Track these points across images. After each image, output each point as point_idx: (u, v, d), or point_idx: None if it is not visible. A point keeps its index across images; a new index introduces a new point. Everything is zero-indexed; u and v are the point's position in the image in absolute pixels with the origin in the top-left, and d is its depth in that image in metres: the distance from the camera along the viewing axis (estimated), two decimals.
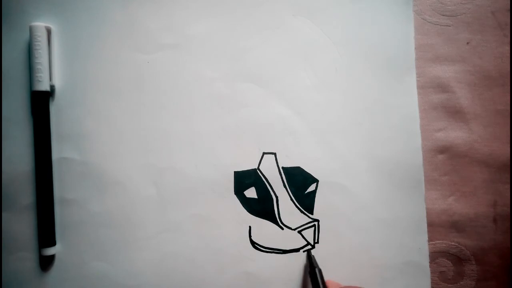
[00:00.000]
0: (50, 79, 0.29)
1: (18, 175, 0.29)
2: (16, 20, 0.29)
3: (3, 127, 0.29)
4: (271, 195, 0.30)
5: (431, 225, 0.30)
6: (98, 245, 0.29)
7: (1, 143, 0.29)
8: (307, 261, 0.29)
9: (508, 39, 0.31)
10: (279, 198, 0.30)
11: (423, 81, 0.31)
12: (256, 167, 0.30)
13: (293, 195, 0.30)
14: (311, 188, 0.30)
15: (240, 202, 0.30)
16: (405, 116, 0.30)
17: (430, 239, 0.30)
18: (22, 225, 0.29)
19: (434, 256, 0.30)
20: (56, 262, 0.29)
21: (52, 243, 0.28)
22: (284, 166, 0.30)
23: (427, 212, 0.30)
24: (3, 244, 0.29)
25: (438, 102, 0.31)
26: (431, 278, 0.30)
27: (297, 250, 0.29)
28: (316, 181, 0.30)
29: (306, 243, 0.29)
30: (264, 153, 0.30)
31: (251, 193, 0.30)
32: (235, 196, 0.30)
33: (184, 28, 0.30)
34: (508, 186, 0.30)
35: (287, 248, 0.29)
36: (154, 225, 0.29)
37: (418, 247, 0.30)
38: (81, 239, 0.29)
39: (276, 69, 0.30)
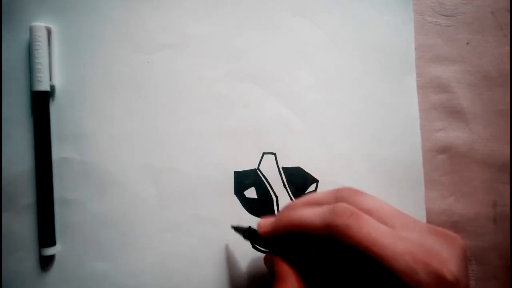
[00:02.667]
0: (50, 79, 0.29)
1: (18, 175, 0.29)
2: (16, 20, 0.29)
3: (3, 127, 0.29)
4: (271, 195, 0.30)
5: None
6: (98, 245, 0.29)
7: (1, 143, 0.29)
8: (240, 232, 0.27)
9: (508, 39, 0.31)
10: (279, 198, 0.30)
11: (423, 81, 0.31)
12: (256, 167, 0.30)
13: (293, 195, 0.30)
14: (311, 188, 0.30)
15: (240, 202, 0.30)
16: (405, 116, 0.30)
17: None
18: (22, 225, 0.29)
19: None
20: (56, 262, 0.29)
21: (52, 243, 0.28)
22: (284, 166, 0.30)
23: (427, 212, 0.30)
24: (3, 244, 0.29)
25: (438, 102, 0.31)
26: None
27: None
28: (316, 181, 0.30)
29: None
30: (264, 153, 0.30)
31: (251, 193, 0.30)
32: (235, 196, 0.30)
33: (183, 28, 0.30)
34: (508, 186, 0.30)
35: None
36: (154, 225, 0.29)
37: None
38: (81, 239, 0.29)
39: (276, 69, 0.30)
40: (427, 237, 0.19)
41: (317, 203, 0.22)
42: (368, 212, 0.20)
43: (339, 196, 0.22)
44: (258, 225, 0.24)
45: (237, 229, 0.27)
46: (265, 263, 0.24)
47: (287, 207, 0.24)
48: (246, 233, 0.26)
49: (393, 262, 0.18)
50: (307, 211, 0.22)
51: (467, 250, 0.20)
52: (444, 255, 0.18)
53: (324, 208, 0.21)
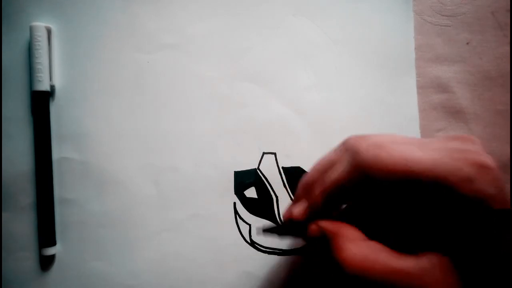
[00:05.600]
0: (50, 79, 0.29)
1: (18, 175, 0.29)
2: (16, 20, 0.29)
3: (3, 127, 0.29)
4: (271, 195, 0.30)
5: None
6: (98, 245, 0.29)
7: (1, 143, 0.29)
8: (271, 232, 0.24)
9: (508, 39, 0.31)
10: (279, 198, 0.30)
11: (423, 81, 0.31)
12: (256, 167, 0.30)
13: (293, 195, 0.30)
14: None
15: (240, 201, 0.30)
16: (405, 116, 0.30)
17: None
18: (22, 225, 0.29)
19: None
20: (56, 262, 0.29)
21: (52, 243, 0.28)
22: (284, 166, 0.30)
23: None
24: (3, 244, 0.29)
25: (438, 102, 0.31)
26: None
27: (297, 250, 0.29)
28: None
29: (306, 243, 0.29)
30: (264, 153, 0.30)
31: (251, 193, 0.30)
32: (235, 196, 0.30)
33: (184, 28, 0.30)
34: (508, 186, 0.30)
35: (287, 248, 0.29)
36: (154, 225, 0.29)
37: None
38: (81, 239, 0.29)
39: (276, 69, 0.30)
40: (449, 143, 0.19)
41: (330, 164, 0.21)
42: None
43: (347, 146, 0.20)
44: (293, 216, 0.22)
45: (270, 230, 0.24)
46: (311, 232, 0.21)
47: (305, 183, 0.22)
48: (281, 230, 0.24)
49: (437, 171, 0.17)
50: (328, 176, 0.20)
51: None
52: (473, 149, 0.18)
53: (341, 162, 0.19)
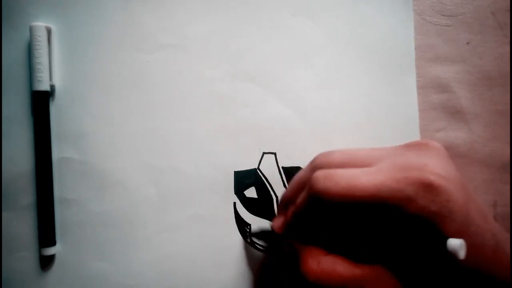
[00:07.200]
0: (50, 79, 0.29)
1: (18, 175, 0.29)
2: (16, 20, 0.29)
3: (4, 127, 0.29)
4: (271, 195, 0.30)
5: None
6: (98, 245, 0.29)
7: (1, 143, 0.29)
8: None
9: (508, 39, 0.31)
10: (279, 198, 0.30)
11: (423, 81, 0.31)
12: (256, 167, 0.30)
13: None
14: None
15: (240, 201, 0.30)
16: (405, 116, 0.30)
17: None
18: (22, 225, 0.29)
19: None
20: (56, 262, 0.29)
21: (52, 243, 0.28)
22: (284, 166, 0.30)
23: None
24: (3, 244, 0.29)
25: (438, 102, 0.31)
26: None
27: None
28: None
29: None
30: (264, 153, 0.30)
31: (251, 193, 0.30)
32: (235, 196, 0.30)
33: (184, 28, 0.30)
34: (508, 186, 0.30)
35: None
36: (154, 225, 0.29)
37: None
38: (81, 239, 0.29)
39: (276, 69, 0.30)
40: (401, 156, 0.20)
41: (303, 184, 0.23)
42: (343, 165, 0.21)
43: (314, 165, 0.22)
44: (274, 228, 0.25)
45: (257, 235, 0.28)
46: (284, 250, 0.25)
47: (282, 201, 0.25)
48: (261, 235, 0.28)
49: (380, 194, 0.18)
50: (298, 199, 0.22)
51: (443, 148, 0.20)
52: (421, 162, 0.18)
53: (305, 187, 0.21)
